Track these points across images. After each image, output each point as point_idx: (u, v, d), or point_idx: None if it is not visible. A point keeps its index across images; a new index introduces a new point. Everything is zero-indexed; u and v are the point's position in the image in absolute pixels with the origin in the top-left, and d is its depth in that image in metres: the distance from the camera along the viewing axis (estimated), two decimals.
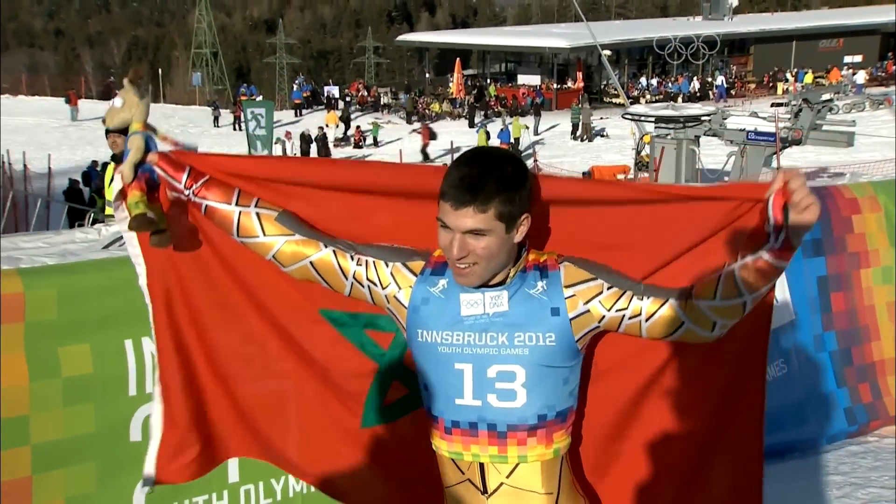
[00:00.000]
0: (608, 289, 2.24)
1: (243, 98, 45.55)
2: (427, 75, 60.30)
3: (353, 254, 2.38)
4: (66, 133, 39.98)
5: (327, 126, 40.62)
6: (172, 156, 2.39)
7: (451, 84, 50.93)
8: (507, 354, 2.23)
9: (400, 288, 2.34)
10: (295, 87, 55.05)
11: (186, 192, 2.39)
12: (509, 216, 2.15)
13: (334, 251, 2.37)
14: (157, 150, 2.42)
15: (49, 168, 23.25)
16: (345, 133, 40.75)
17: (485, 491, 2.31)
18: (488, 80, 54.05)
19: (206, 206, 2.39)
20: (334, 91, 53.03)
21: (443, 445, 2.33)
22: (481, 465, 2.30)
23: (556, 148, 36.54)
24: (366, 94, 53.18)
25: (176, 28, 75.44)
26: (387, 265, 2.35)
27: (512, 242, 2.19)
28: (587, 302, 2.23)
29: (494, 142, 34.44)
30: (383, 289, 2.35)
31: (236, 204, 2.38)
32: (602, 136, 38.90)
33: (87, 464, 3.36)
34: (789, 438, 5.14)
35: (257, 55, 69.44)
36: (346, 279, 2.37)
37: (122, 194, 2.43)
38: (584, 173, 25.26)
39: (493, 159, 2.20)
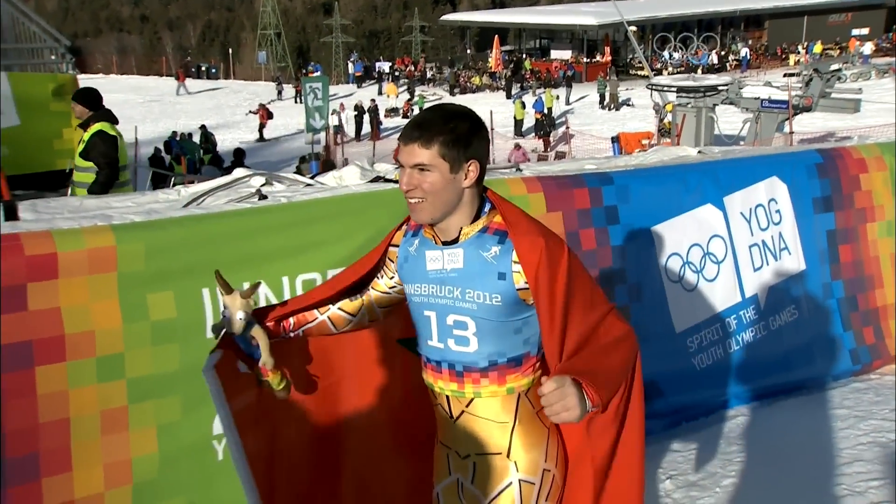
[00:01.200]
0: None
1: (310, 74, 45.65)
2: (468, 51, 59.69)
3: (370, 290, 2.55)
4: (150, 108, 40.31)
5: (388, 96, 40.88)
6: (264, 327, 2.43)
7: (490, 59, 50.43)
8: (460, 307, 2.27)
9: (393, 262, 2.47)
10: (350, 64, 54.88)
11: (291, 334, 2.51)
12: (453, 157, 2.17)
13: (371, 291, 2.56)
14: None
15: (136, 138, 23.47)
16: (409, 100, 40.74)
17: (451, 416, 2.39)
18: (524, 56, 53.33)
19: (303, 330, 2.52)
20: (385, 67, 52.80)
21: (424, 377, 2.42)
22: (447, 396, 2.37)
23: (586, 116, 36.09)
24: (413, 69, 52.82)
25: (244, 12, 75.32)
26: (382, 268, 2.51)
27: (460, 186, 2.20)
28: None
29: (529, 111, 34.09)
30: (391, 276, 2.50)
31: (321, 315, 2.52)
32: (628, 105, 38.33)
33: (173, 396, 3.41)
34: (799, 377, 5.09)
35: (315, 35, 69.07)
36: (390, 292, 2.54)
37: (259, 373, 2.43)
38: (612, 138, 24.98)
39: (446, 109, 2.24)
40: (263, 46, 65.39)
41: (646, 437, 4.43)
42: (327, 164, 21.26)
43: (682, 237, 4.82)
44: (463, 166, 2.18)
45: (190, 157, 24.48)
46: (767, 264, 5.09)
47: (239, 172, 4.67)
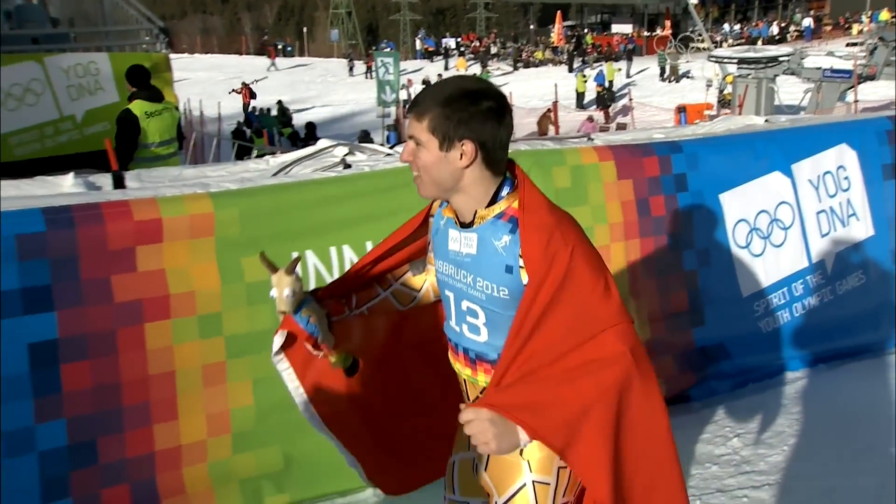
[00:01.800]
0: None
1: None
2: (531, 27, 58.95)
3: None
4: (231, 84, 40.82)
5: (458, 70, 40.60)
6: (321, 305, 2.30)
7: (552, 34, 49.75)
8: (472, 294, 2.09)
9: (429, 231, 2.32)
10: (417, 40, 54.74)
11: (356, 311, 2.39)
12: (443, 133, 1.95)
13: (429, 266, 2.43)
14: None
15: (219, 113, 23.83)
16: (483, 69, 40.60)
17: (468, 399, 2.26)
18: (585, 30, 52.48)
19: (368, 308, 2.41)
20: (451, 42, 52.50)
21: (448, 355, 2.30)
22: (464, 380, 2.24)
23: (646, 89, 35.43)
24: (478, 44, 52.41)
25: None
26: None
27: (454, 166, 1.98)
28: None
29: (591, 84, 33.61)
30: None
31: (383, 291, 2.41)
32: (688, 77, 37.47)
33: (266, 353, 3.45)
34: (864, 342, 4.95)
35: (384, 13, 68.91)
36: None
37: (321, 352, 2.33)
38: (679, 109, 24.46)
39: (449, 84, 2.01)
40: (335, 25, 65.57)
41: (714, 397, 4.42)
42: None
43: (749, 204, 4.71)
44: (455, 145, 1.95)
45: (269, 130, 24.81)
46: (835, 230, 4.94)
47: (323, 143, 4.70)
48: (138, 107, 6.86)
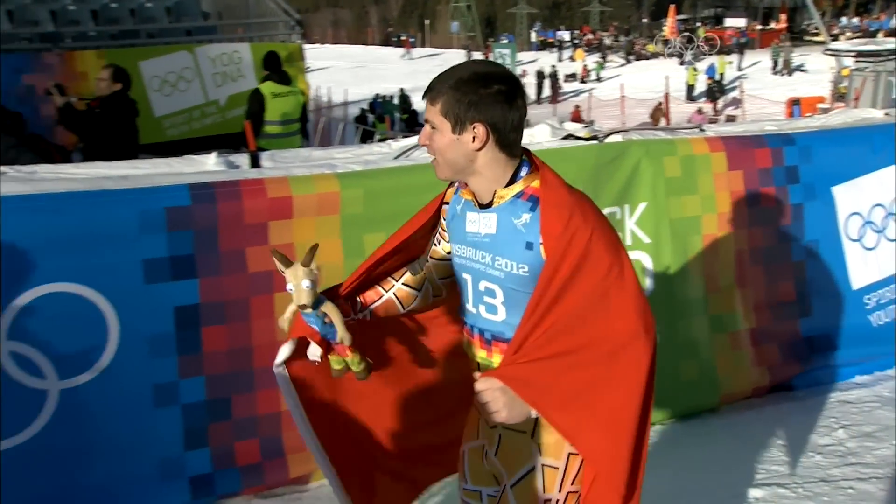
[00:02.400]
0: None
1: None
2: (644, 20, 57.38)
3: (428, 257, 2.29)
4: (356, 73, 41.55)
5: (574, 60, 40.09)
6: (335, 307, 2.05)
7: (664, 27, 48.27)
8: (491, 274, 2.01)
9: (444, 220, 2.18)
10: (533, 33, 54.21)
11: (361, 314, 2.22)
12: (455, 116, 1.89)
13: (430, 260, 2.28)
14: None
15: (345, 100, 24.31)
16: (586, 66, 39.91)
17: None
18: (698, 24, 50.67)
19: (370, 310, 2.23)
20: (565, 35, 51.74)
21: (463, 339, 2.19)
22: (478, 363, 2.13)
23: (758, 81, 33.90)
24: (591, 37, 51.43)
25: None
26: (437, 232, 2.23)
27: (467, 148, 1.91)
28: None
29: (702, 77, 32.49)
30: (448, 241, 2.18)
31: (386, 292, 2.24)
32: (801, 70, 35.68)
33: None
34: None
35: (502, 6, 68.50)
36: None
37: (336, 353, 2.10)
38: (793, 101, 23.37)
39: (462, 68, 1.94)
40: (456, 17, 65.71)
41: (819, 387, 4.21)
42: None
43: (864, 197, 4.45)
44: (467, 128, 1.90)
45: (391, 116, 25.13)
46: None
47: None
48: (267, 87, 7.51)
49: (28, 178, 3.14)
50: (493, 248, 1.99)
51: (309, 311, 1.97)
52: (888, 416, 3.94)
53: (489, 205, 2.00)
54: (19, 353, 2.95)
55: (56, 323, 2.98)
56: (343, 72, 40.10)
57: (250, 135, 5.30)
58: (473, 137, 1.91)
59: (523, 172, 1.98)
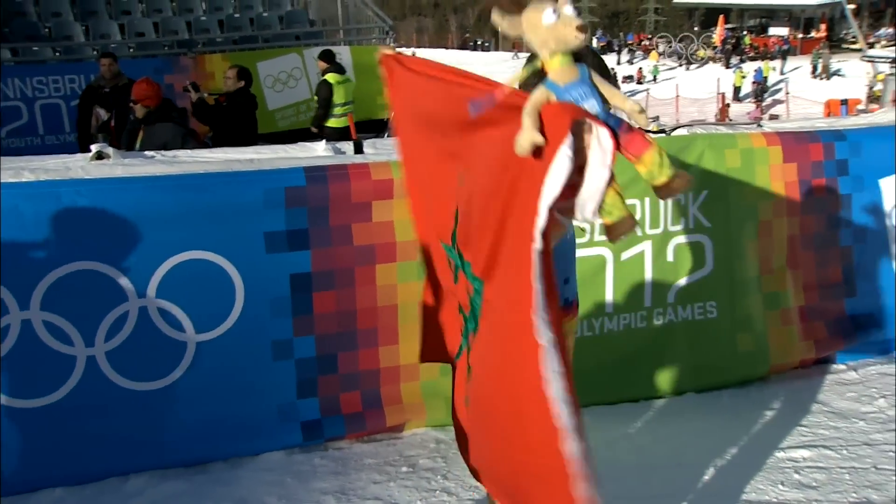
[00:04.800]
0: None
1: None
2: (695, 28, 55.48)
3: None
4: None
5: (650, 61, 39.97)
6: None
7: (714, 35, 46.53)
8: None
9: None
10: (595, 39, 53.05)
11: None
12: None
13: None
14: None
15: None
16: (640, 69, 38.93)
17: None
18: (744, 32, 48.62)
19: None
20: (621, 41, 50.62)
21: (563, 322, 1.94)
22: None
23: (798, 84, 32.39)
24: (647, 43, 50.01)
25: None
26: None
27: None
28: None
29: (747, 80, 31.24)
30: None
31: None
32: (838, 75, 33.93)
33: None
34: None
35: None
36: None
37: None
38: (842, 101, 22.33)
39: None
40: None
41: (860, 361, 3.99)
42: None
43: None
44: None
45: None
46: None
47: None
48: (332, 77, 8.32)
49: (172, 161, 3.19)
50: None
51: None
52: None
53: None
54: (164, 309, 3.00)
55: (194, 285, 3.02)
56: None
57: (353, 126, 5.30)
58: None
59: None
